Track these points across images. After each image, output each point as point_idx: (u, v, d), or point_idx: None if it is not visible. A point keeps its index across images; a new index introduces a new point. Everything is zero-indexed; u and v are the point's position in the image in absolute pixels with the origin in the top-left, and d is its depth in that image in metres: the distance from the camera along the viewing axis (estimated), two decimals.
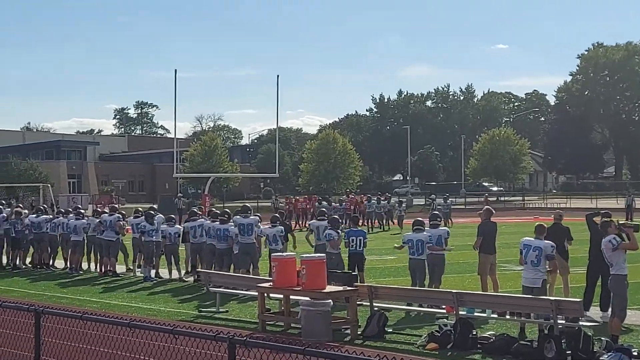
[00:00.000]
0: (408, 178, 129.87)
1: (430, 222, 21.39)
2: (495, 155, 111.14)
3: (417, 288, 19.43)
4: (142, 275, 27.78)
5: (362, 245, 22.34)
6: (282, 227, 24.95)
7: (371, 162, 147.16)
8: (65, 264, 31.04)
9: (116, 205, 35.58)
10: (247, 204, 28.82)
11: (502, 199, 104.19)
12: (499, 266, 23.11)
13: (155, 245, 27.80)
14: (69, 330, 9.75)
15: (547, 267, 16.69)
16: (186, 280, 26.82)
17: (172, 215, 29.22)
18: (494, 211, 21.96)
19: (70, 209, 33.35)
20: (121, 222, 29.42)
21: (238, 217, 25.20)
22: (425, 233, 20.60)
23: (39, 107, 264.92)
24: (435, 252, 20.46)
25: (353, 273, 19.82)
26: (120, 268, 29.48)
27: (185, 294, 23.95)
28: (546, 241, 16.70)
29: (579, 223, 23.17)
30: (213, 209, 32.79)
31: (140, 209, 30.75)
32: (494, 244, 20.98)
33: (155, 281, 27.02)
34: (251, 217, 25.07)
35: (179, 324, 17.25)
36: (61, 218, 31.69)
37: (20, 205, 41.10)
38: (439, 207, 53.33)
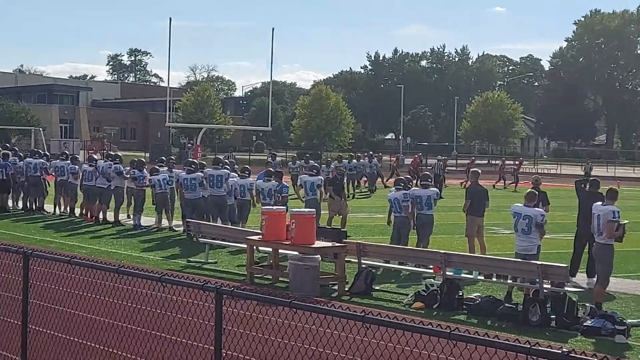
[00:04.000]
0: (400, 137, 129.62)
1: (421, 183, 21.33)
2: (488, 118, 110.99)
3: (406, 247, 19.43)
4: (132, 223, 27.76)
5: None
6: (276, 182, 24.82)
7: (364, 120, 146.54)
8: (59, 208, 31.03)
9: (112, 152, 35.24)
10: (219, 157, 29.03)
11: (494, 162, 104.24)
12: (487, 229, 23.14)
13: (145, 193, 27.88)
14: (57, 274, 9.73)
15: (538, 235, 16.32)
16: (175, 229, 26.84)
17: (157, 166, 28.76)
18: (480, 172, 22.06)
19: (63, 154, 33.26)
20: (110, 170, 29.13)
21: (209, 168, 25.46)
22: (402, 191, 20.55)
23: (33, 49, 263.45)
24: (425, 213, 20.45)
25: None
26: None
27: (175, 244, 23.98)
28: (536, 209, 16.47)
29: (569, 189, 23.19)
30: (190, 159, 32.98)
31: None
32: (482, 207, 20.95)
33: (144, 229, 27.01)
34: (221, 170, 25.18)
35: (167, 272, 17.23)
36: (58, 161, 31.59)
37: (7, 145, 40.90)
38: (357, 167, 50.68)
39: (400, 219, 20.54)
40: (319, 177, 25.23)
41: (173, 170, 28.26)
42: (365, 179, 50.48)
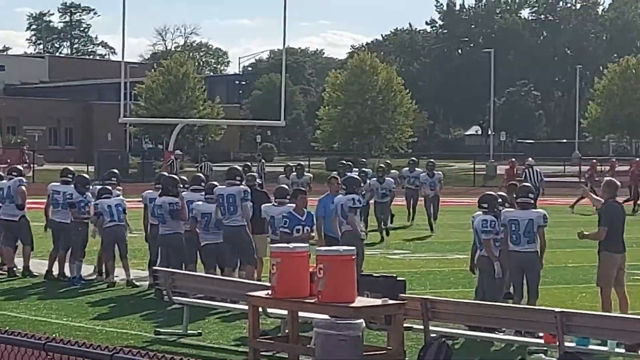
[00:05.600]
0: (490, 132, 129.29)
1: (518, 199, 21.21)
2: (629, 98, 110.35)
3: (500, 304, 19.43)
4: (69, 275, 27.88)
5: None
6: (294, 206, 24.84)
7: (432, 106, 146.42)
8: None
9: (19, 167, 34.81)
10: (236, 166, 28.92)
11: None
12: (629, 273, 23.04)
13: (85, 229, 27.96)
14: None
15: None
16: (137, 284, 26.97)
17: (106, 185, 28.84)
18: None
19: None
20: (24, 188, 28.94)
21: (220, 186, 25.25)
22: (484, 217, 20.62)
23: None
24: (525, 250, 20.38)
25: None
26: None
27: (136, 306, 24.15)
28: None
29: None
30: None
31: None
32: (622, 239, 20.94)
33: (87, 284, 27.19)
34: (240, 186, 24.98)
35: (122, 349, 17.34)
36: None
37: None
38: (420, 183, 47.56)
39: (481, 260, 20.62)
40: (354, 193, 25.25)
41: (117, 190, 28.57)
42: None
